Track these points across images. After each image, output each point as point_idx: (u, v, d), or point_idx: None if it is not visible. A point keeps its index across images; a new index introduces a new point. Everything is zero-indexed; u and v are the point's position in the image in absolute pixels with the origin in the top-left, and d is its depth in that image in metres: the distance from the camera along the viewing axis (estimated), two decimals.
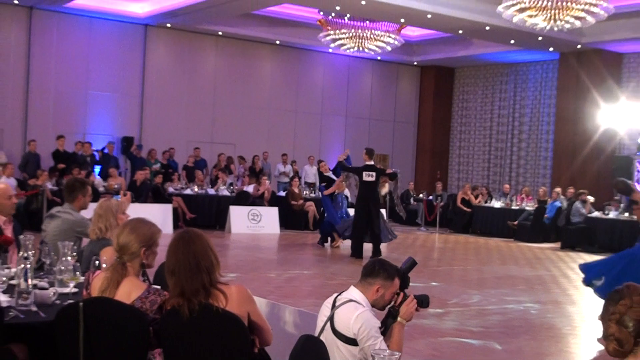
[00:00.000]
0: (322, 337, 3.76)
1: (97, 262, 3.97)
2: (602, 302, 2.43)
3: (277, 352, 3.73)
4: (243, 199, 16.64)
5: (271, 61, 21.42)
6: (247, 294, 3.43)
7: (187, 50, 19.89)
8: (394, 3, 15.59)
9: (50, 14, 17.85)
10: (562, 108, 20.29)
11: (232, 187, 17.47)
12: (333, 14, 16.98)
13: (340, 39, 17.41)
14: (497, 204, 18.79)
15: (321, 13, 17.28)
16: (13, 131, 17.72)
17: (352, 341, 3.68)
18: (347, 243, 13.55)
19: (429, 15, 16.52)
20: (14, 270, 4.32)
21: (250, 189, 17.15)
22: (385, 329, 3.82)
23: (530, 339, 7.19)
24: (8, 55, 17.56)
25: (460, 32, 18.41)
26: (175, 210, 15.46)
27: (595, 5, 13.08)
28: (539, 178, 21.79)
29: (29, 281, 4.03)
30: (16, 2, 17.14)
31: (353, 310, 3.70)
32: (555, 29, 13.97)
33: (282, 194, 18.01)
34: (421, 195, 20.52)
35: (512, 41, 18.80)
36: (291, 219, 17.07)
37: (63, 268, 4.16)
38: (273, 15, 19.18)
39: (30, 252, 4.20)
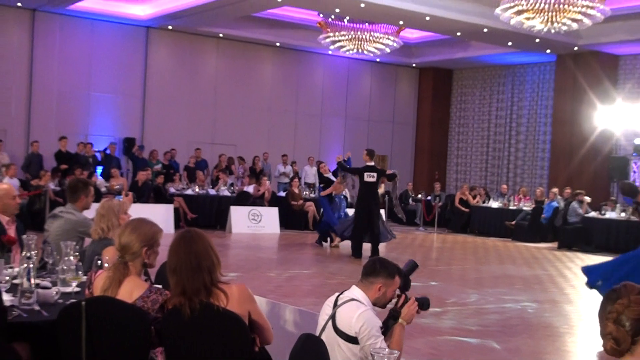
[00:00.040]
0: (323, 335, 3.77)
1: (99, 262, 3.96)
2: (599, 301, 2.43)
3: (277, 350, 3.72)
4: (243, 199, 16.65)
5: (271, 63, 21.42)
6: (248, 293, 3.42)
7: (188, 52, 19.89)
8: (393, 5, 15.59)
9: (53, 16, 17.85)
10: (559, 109, 20.30)
11: (232, 188, 17.47)
12: (332, 17, 16.98)
13: (339, 41, 17.41)
14: (494, 204, 18.79)
15: (321, 15, 17.29)
16: (16, 132, 17.71)
17: (353, 340, 3.69)
18: (346, 243, 13.58)
19: (427, 18, 16.51)
20: (17, 269, 4.32)
21: (250, 189, 17.16)
22: (386, 330, 3.82)
23: (528, 337, 7.18)
24: (11, 57, 17.55)
25: (459, 34, 18.41)
26: (176, 211, 15.47)
27: (591, 7, 13.08)
28: (536, 178, 21.79)
29: (32, 280, 4.02)
30: (19, 4, 17.14)
31: (355, 309, 3.71)
32: (552, 31, 13.98)
33: (282, 194, 18.01)
34: (420, 196, 20.51)
35: (510, 43, 18.81)
36: (291, 219, 17.07)
37: (65, 267, 4.16)
38: (273, 18, 19.17)
39: (33, 252, 4.19)
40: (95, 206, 5.32)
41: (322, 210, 15.33)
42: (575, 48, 18.81)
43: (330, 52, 20.51)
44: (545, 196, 18.06)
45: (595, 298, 9.54)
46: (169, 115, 19.56)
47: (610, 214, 16.36)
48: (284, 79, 21.62)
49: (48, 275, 4.48)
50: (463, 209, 19.08)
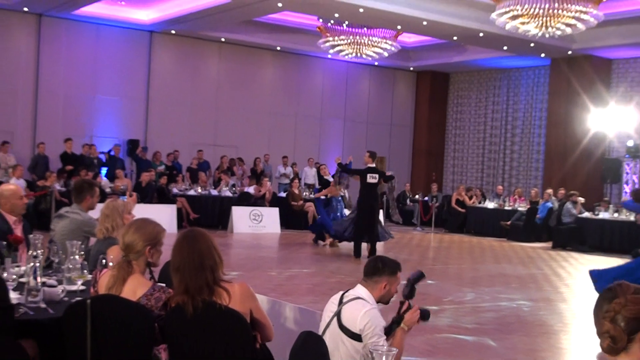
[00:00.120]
0: (328, 332, 3.79)
1: (104, 261, 3.96)
2: (593, 299, 2.43)
3: (277, 347, 3.72)
4: (245, 199, 16.65)
5: (272, 67, 21.42)
6: (250, 291, 3.43)
7: (191, 56, 19.88)
8: (391, 10, 15.59)
9: (59, 21, 17.85)
10: (554, 112, 20.30)
11: (234, 188, 17.46)
12: (332, 21, 16.98)
13: (338, 45, 17.42)
14: (490, 204, 18.79)
15: (320, 20, 17.28)
16: (23, 134, 17.71)
17: (357, 337, 3.72)
18: (345, 242, 13.58)
19: (424, 22, 16.51)
20: (23, 268, 4.32)
21: (251, 190, 17.15)
22: (389, 333, 3.85)
23: (523, 335, 7.18)
24: (18, 61, 17.56)
25: (455, 38, 18.42)
26: (179, 211, 15.47)
27: (585, 12, 13.09)
28: (531, 179, 21.79)
29: (38, 279, 4.03)
30: (26, 9, 17.14)
31: (361, 308, 3.74)
32: (547, 35, 13.99)
33: (283, 194, 18.00)
34: (417, 196, 20.52)
35: (505, 47, 18.81)
36: (291, 219, 17.06)
37: (71, 266, 4.16)
38: (274, 22, 19.18)
39: (39, 251, 4.19)
40: (100, 206, 5.32)
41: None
42: (569, 52, 18.82)
43: (329, 56, 20.50)
44: (540, 197, 18.05)
45: (588, 297, 9.55)
46: (172, 117, 19.56)
47: (603, 215, 16.37)
48: (285, 82, 21.63)
49: (54, 273, 4.48)
50: (459, 209, 19.08)
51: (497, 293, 9.57)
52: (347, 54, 17.75)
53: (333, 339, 3.74)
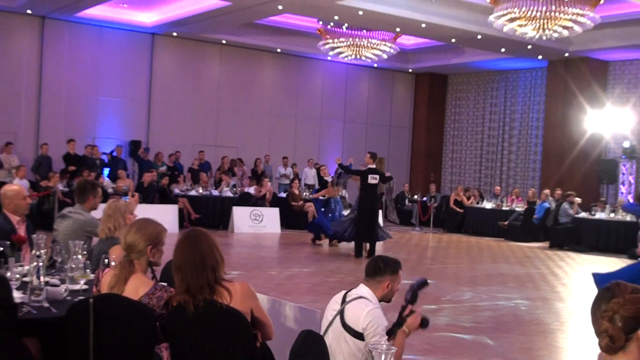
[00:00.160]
0: (330, 330, 3.81)
1: (106, 260, 3.96)
2: (590, 299, 2.43)
3: (278, 345, 3.73)
4: (245, 200, 16.65)
5: (272, 68, 21.42)
6: (251, 291, 3.43)
7: (192, 58, 19.88)
8: (390, 13, 15.59)
9: (62, 23, 17.85)
10: (551, 113, 20.30)
11: (235, 189, 17.46)
12: (332, 24, 16.99)
13: (338, 47, 17.41)
14: (488, 205, 18.79)
15: (320, 22, 17.29)
16: (26, 135, 17.70)
17: (359, 335, 3.74)
18: (344, 242, 13.59)
19: (423, 25, 16.52)
20: (27, 267, 4.32)
21: (252, 190, 17.15)
22: (390, 334, 3.87)
23: (520, 334, 7.18)
24: (21, 62, 17.55)
25: (453, 40, 18.41)
26: (180, 211, 15.47)
27: (582, 15, 13.09)
28: (529, 180, 21.79)
29: (42, 278, 4.03)
30: (29, 12, 17.14)
31: (364, 307, 3.77)
32: (544, 37, 13.99)
33: (283, 195, 18.00)
34: (415, 197, 20.52)
35: (503, 49, 18.81)
36: (291, 219, 17.06)
37: (74, 266, 4.16)
38: (274, 25, 19.17)
39: (42, 251, 4.20)
40: (102, 206, 5.32)
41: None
42: (566, 54, 18.82)
43: (329, 58, 20.50)
44: (537, 197, 18.05)
45: (585, 296, 9.55)
46: (174, 118, 19.56)
47: (600, 215, 16.38)
48: (285, 84, 21.63)
49: (57, 273, 4.48)
50: (457, 209, 19.07)
51: (494, 292, 9.57)
52: (346, 56, 17.75)
53: (336, 337, 3.76)
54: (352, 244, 13.05)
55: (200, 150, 19.16)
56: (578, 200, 16.78)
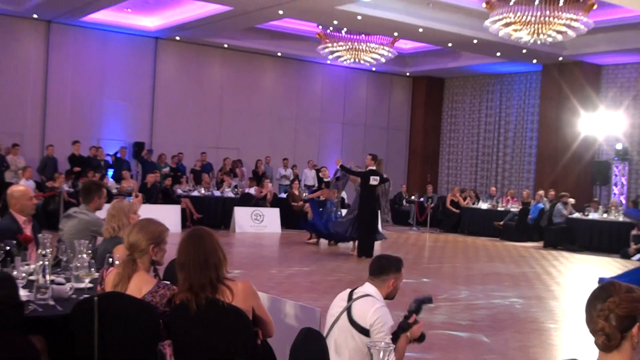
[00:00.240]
0: (336, 326, 3.83)
1: (110, 259, 3.96)
2: (584, 297, 2.42)
3: (278, 343, 3.73)
4: (247, 200, 16.64)
5: (273, 72, 21.42)
6: (252, 289, 3.42)
7: (194, 61, 19.88)
8: (388, 18, 15.60)
9: (68, 27, 17.84)
10: (545, 116, 20.31)
11: (236, 190, 17.46)
12: (331, 28, 16.99)
13: (337, 51, 17.41)
14: (484, 205, 18.79)
15: (320, 27, 17.29)
16: (32, 137, 17.70)
17: (366, 332, 3.76)
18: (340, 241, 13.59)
19: (420, 30, 16.52)
20: (33, 266, 4.32)
21: (253, 191, 17.15)
22: (395, 339, 3.88)
23: (515, 331, 7.18)
24: (28, 66, 17.55)
25: (450, 45, 18.43)
26: (183, 211, 15.46)
27: (576, 20, 13.10)
28: (523, 181, 21.79)
29: (47, 277, 4.03)
30: (35, 16, 17.14)
31: (372, 304, 3.79)
32: (539, 42, 13.99)
33: (283, 195, 17.99)
34: (413, 197, 20.51)
35: (498, 53, 18.82)
36: (292, 219, 17.03)
37: (79, 265, 4.16)
38: (275, 29, 19.17)
39: (48, 250, 4.19)
40: (107, 207, 5.31)
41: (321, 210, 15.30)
42: (560, 58, 18.83)
43: (328, 62, 20.52)
44: (532, 198, 18.05)
45: (578, 294, 9.56)
46: (177, 121, 19.56)
47: (593, 215, 16.39)
48: (285, 87, 21.63)
49: (62, 272, 4.48)
50: (454, 210, 19.07)
51: (490, 291, 9.57)
52: (345, 60, 17.75)
53: (342, 333, 3.78)
54: (350, 243, 13.06)
55: (203, 151, 19.14)
56: (572, 201, 16.79)
